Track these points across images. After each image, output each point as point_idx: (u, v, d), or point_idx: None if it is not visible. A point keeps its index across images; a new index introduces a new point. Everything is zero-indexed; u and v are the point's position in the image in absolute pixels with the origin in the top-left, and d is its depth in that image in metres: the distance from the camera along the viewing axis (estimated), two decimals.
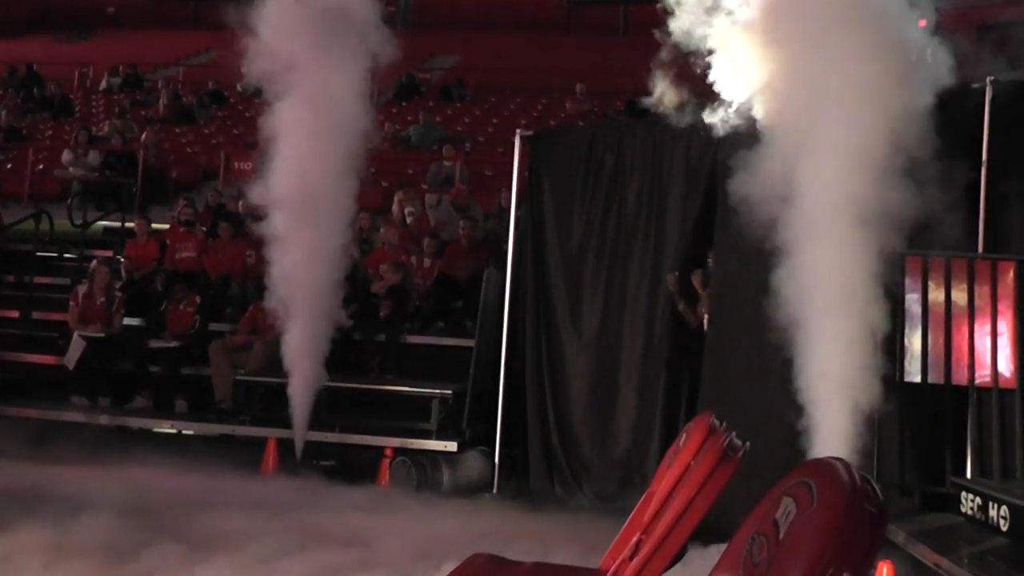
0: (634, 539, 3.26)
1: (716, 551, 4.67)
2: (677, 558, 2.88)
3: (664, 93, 6.97)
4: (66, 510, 6.52)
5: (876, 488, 2.13)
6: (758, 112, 6.14)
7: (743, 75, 6.16)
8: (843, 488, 2.09)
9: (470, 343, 9.48)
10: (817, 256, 5.77)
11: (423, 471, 8.32)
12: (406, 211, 12.01)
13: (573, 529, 7.01)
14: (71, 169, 15.88)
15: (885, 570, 5.21)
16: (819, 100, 5.56)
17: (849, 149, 5.48)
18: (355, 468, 8.43)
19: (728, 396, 7.17)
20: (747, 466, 2.95)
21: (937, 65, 5.86)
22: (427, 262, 11.03)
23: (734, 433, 2.93)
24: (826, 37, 5.57)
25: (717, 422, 3.32)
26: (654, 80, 6.94)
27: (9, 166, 17.36)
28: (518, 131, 8.82)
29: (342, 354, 9.54)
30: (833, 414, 5.72)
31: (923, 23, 6.08)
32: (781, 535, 2.19)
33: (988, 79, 6.38)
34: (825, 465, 2.26)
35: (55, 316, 11.16)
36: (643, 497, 3.68)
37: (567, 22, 27.87)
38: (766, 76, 5.98)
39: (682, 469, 3.21)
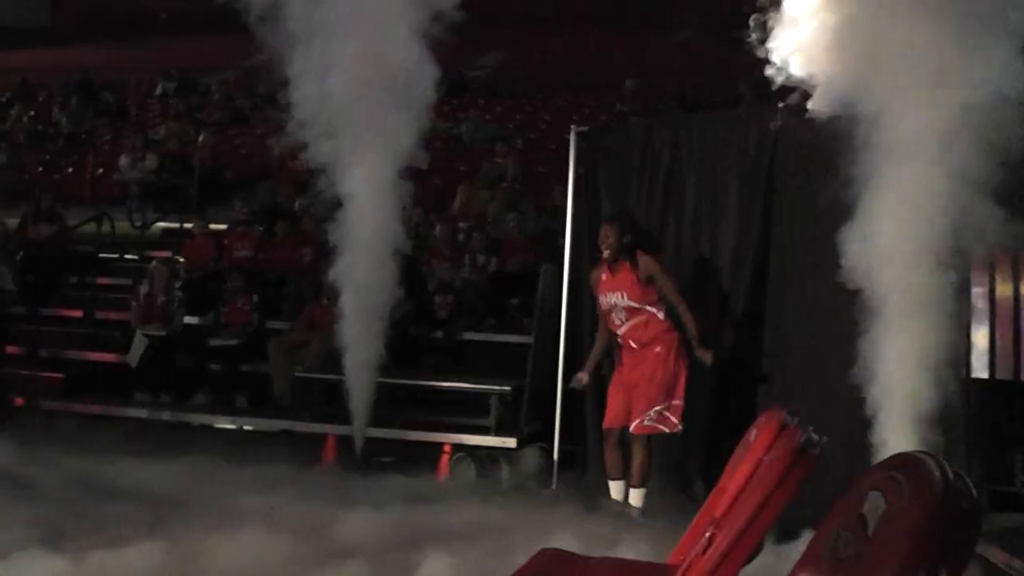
0: (706, 534, 3.25)
1: (784, 548, 4.65)
2: (755, 553, 2.87)
3: None
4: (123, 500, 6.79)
5: (969, 484, 2.09)
6: (826, 99, 6.01)
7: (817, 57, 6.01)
8: (935, 483, 2.05)
9: (527, 339, 9.48)
10: (882, 250, 5.68)
11: (482, 467, 8.34)
12: (462, 203, 12.11)
13: (632, 525, 6.99)
14: (129, 173, 16.12)
15: None
16: (896, 88, 5.45)
17: (924, 140, 5.37)
18: (414, 464, 8.45)
19: (789, 392, 7.09)
20: None
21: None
22: (480, 259, 11.06)
23: (811, 428, 2.90)
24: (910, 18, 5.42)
25: (789, 417, 3.29)
26: None
27: (71, 170, 17.68)
28: (572, 127, 8.77)
29: (400, 351, 9.58)
30: (898, 411, 5.63)
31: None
32: (870, 530, 2.16)
33: None
34: (915, 459, 2.22)
35: (117, 315, 11.37)
36: (712, 492, 3.66)
37: (617, 17, 27.71)
38: (841, 59, 5.84)
39: (754, 464, 3.19)
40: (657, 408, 7.06)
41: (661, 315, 7.17)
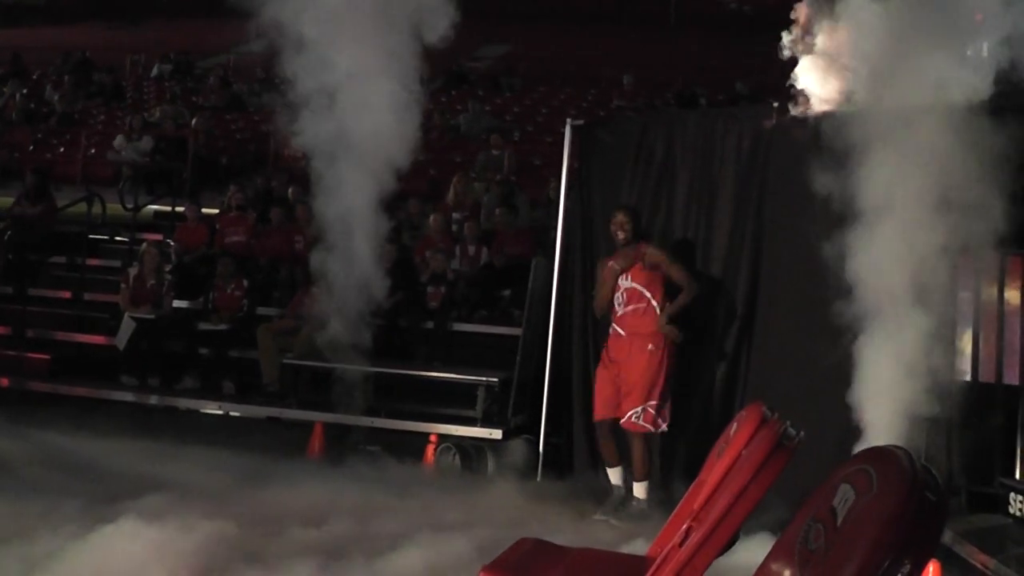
0: (683, 527, 3.27)
1: (762, 539, 4.67)
2: (729, 545, 2.88)
3: None
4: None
5: (937, 477, 2.10)
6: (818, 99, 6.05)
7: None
8: (904, 476, 2.07)
9: (517, 331, 9.47)
10: (870, 253, 5.71)
11: (467, 458, 8.35)
12: (456, 194, 12.13)
13: (617, 517, 7.04)
14: (123, 154, 16.06)
15: (932, 569, 5.15)
16: (883, 90, 5.49)
17: (910, 144, 5.41)
18: (400, 454, 8.46)
19: (774, 389, 7.10)
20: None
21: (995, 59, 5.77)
22: (472, 249, 11.06)
23: (788, 422, 2.92)
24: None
25: (769, 412, 3.31)
26: None
27: (62, 150, 17.61)
28: (568, 120, 8.77)
29: (388, 340, 9.58)
30: (881, 411, 5.67)
31: (979, 17, 5.99)
32: (839, 521, 2.18)
33: None
34: (886, 453, 2.24)
35: (106, 297, 11.33)
36: (692, 485, 3.68)
37: (617, 13, 27.70)
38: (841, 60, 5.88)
39: (733, 458, 3.21)
40: (643, 406, 7.14)
41: (658, 310, 7.31)
